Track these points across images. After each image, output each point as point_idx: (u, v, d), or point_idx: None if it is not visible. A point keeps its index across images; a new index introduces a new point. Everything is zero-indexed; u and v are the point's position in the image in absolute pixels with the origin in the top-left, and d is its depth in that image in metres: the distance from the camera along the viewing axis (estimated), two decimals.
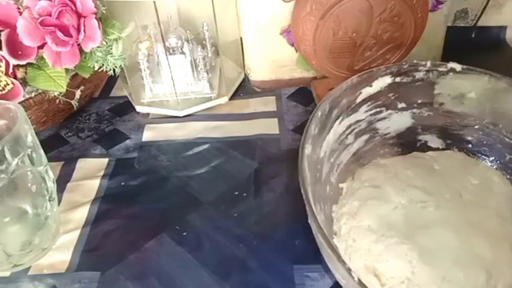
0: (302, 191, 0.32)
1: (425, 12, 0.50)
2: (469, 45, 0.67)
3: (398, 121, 0.44)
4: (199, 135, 0.55)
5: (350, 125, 0.42)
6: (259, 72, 0.62)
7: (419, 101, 0.43)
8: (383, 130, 0.44)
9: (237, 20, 0.61)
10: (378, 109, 0.43)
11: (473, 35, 0.68)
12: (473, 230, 0.37)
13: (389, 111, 0.44)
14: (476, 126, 0.43)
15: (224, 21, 0.57)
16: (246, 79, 0.64)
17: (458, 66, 0.41)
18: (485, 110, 0.42)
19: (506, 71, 0.61)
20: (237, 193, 0.47)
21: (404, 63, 0.42)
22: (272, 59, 0.61)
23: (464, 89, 0.42)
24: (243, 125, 0.56)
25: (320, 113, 0.38)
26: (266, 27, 0.58)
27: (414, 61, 0.42)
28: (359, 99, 0.42)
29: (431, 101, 0.43)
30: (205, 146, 0.53)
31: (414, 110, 0.44)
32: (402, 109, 0.44)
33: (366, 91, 0.42)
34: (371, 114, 0.43)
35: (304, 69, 0.61)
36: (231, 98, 0.61)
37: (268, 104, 0.60)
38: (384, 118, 0.44)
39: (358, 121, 0.43)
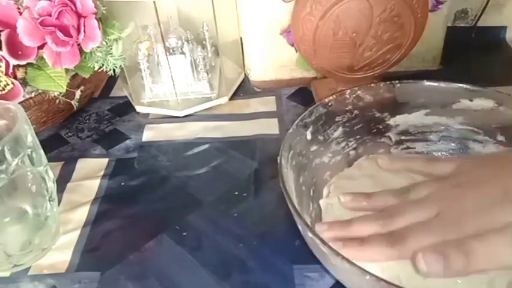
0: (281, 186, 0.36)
1: (425, 12, 0.50)
2: (469, 45, 0.67)
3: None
4: (199, 136, 0.55)
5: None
6: (259, 72, 0.62)
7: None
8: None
9: (237, 20, 0.61)
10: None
11: (473, 35, 0.68)
12: None
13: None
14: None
15: (224, 21, 0.57)
16: (246, 79, 0.64)
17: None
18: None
19: (506, 71, 0.62)
20: (237, 193, 0.47)
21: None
22: (272, 59, 0.61)
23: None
24: (243, 125, 0.56)
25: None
26: (266, 27, 0.58)
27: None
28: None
29: None
30: (205, 146, 0.53)
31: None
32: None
33: None
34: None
35: (305, 69, 0.61)
36: (231, 98, 0.61)
37: (268, 104, 0.60)
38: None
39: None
